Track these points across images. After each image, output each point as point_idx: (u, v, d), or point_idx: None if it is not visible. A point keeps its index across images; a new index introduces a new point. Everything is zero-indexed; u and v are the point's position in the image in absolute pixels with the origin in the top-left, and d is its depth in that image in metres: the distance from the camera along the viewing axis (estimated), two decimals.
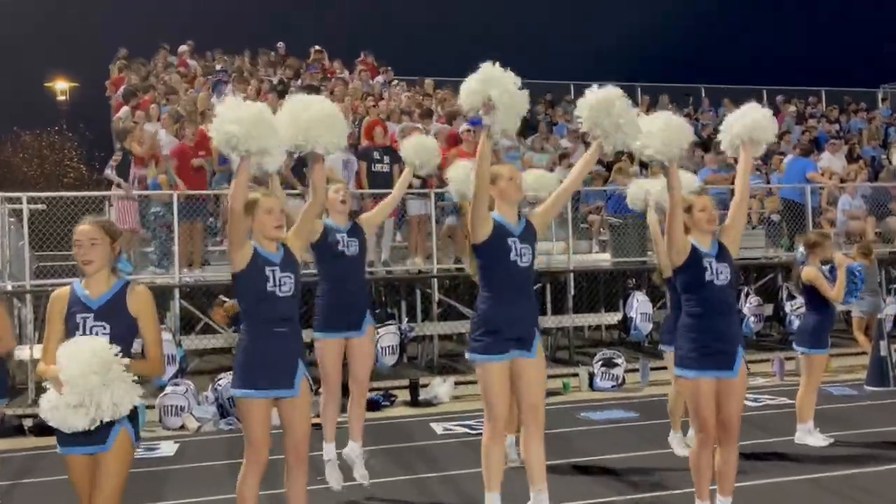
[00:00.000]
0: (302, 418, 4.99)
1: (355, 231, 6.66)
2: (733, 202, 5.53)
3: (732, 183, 15.47)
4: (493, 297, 5.19)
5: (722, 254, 5.41)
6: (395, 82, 20.03)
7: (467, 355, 5.34)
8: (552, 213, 5.50)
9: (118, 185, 11.96)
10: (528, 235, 5.29)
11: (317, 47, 21.39)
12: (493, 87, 4.83)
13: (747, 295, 13.15)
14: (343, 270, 6.55)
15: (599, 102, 5.10)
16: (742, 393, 5.40)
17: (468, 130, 13.47)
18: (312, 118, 4.93)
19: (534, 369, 5.28)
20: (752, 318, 13.00)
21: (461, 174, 6.84)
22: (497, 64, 4.91)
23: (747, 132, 5.41)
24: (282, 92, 17.69)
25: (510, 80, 4.88)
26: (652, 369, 11.61)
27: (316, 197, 5.19)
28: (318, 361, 6.61)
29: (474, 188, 5.03)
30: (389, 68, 20.87)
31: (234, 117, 4.58)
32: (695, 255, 5.34)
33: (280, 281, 4.91)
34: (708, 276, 5.29)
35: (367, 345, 6.66)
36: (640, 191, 7.48)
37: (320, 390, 6.69)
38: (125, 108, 15.18)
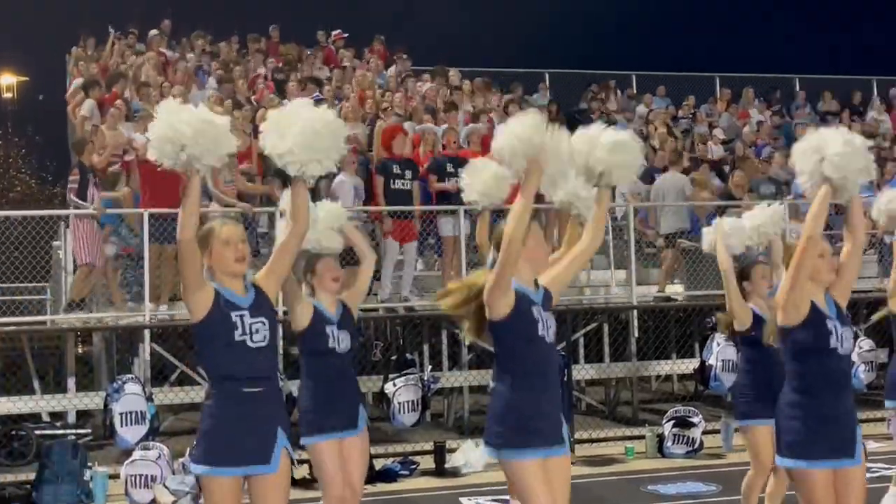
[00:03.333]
0: (279, 499, 4.92)
1: (346, 320, 6.82)
2: (845, 250, 5.41)
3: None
4: (518, 384, 5.02)
5: (842, 314, 5.32)
6: (411, 74, 20.09)
7: (487, 450, 5.17)
8: (566, 281, 5.40)
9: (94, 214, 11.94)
10: (548, 303, 5.16)
11: (337, 31, 21.47)
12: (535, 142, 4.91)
13: (856, 337, 13.00)
14: (333, 369, 6.70)
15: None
16: (865, 483, 5.32)
17: None
18: (306, 133, 4.88)
19: (566, 470, 5.15)
20: (861, 367, 12.84)
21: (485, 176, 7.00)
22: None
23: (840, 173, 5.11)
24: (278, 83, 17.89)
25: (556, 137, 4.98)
26: (737, 431, 11.47)
27: (297, 224, 5.09)
28: (315, 469, 6.83)
29: (503, 253, 4.87)
30: (405, 56, 20.94)
31: (182, 119, 4.61)
32: (816, 315, 5.22)
33: (251, 328, 4.82)
34: (833, 343, 5.18)
35: (363, 445, 6.84)
36: (712, 232, 7.46)
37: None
38: (88, 102, 15.30)
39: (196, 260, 4.75)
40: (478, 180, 7.17)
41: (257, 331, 4.83)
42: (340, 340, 6.69)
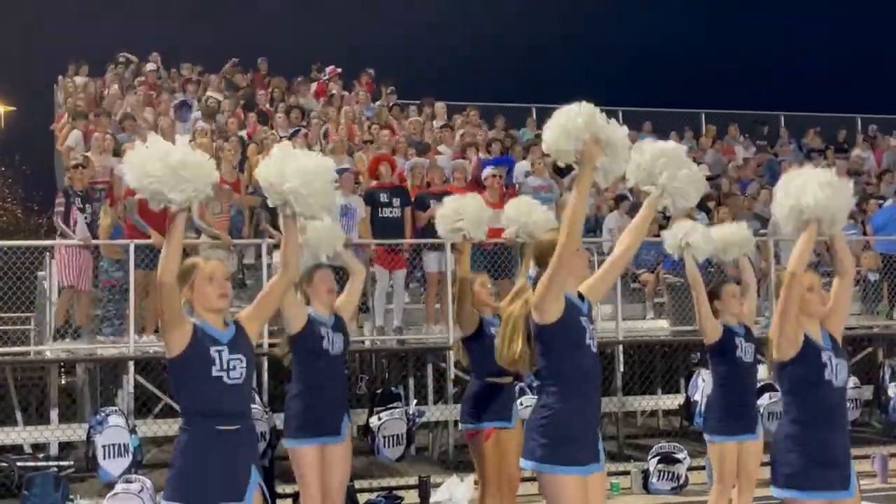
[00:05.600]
0: None
1: (339, 325, 7.06)
2: (835, 285, 5.49)
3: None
4: (566, 394, 5.08)
5: (837, 347, 5.37)
6: (401, 109, 20.14)
7: (528, 464, 5.15)
8: (603, 289, 5.49)
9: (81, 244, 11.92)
10: (590, 314, 5.27)
11: (331, 67, 21.52)
12: (598, 129, 4.93)
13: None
14: (325, 372, 6.90)
15: (654, 155, 5.21)
16: None
17: (494, 175, 13.57)
18: (301, 171, 4.96)
19: (602, 486, 5.26)
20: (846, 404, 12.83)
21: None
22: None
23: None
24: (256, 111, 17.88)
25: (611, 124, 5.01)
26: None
27: (287, 270, 5.14)
28: (296, 473, 6.95)
29: (560, 251, 4.93)
30: (392, 88, 20.99)
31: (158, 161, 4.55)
32: (810, 348, 5.27)
33: (228, 364, 4.80)
34: (827, 375, 5.24)
35: (345, 452, 7.02)
36: (678, 233, 7.58)
37: None
38: (75, 133, 15.27)
39: (175, 300, 4.72)
40: (462, 211, 7.44)
41: (234, 367, 4.81)
42: (334, 342, 6.89)
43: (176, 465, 4.85)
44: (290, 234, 5.12)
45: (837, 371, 5.26)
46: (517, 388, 10.10)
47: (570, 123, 4.90)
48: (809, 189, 5.09)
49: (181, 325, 4.77)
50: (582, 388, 5.10)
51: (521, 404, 10.17)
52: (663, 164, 5.23)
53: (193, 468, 4.78)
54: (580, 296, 5.25)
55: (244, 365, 4.85)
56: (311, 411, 6.83)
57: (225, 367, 4.78)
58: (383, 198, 13.17)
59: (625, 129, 5.10)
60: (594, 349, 5.17)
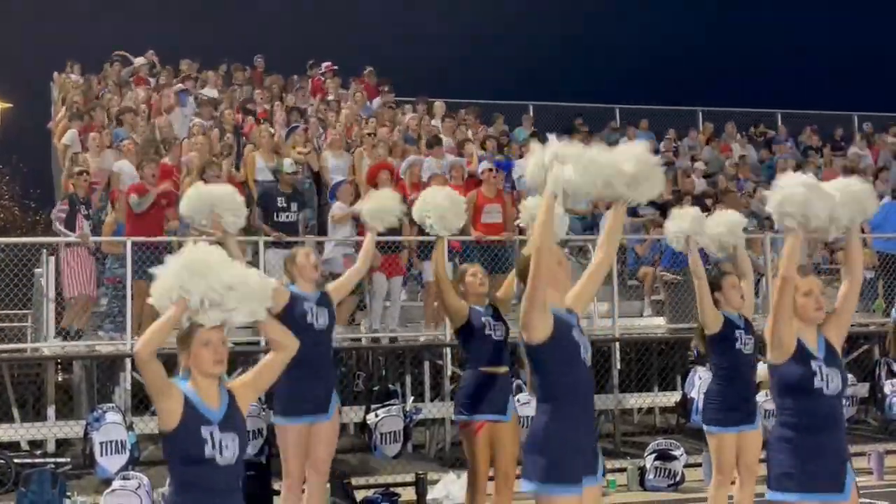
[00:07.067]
0: None
1: (325, 301, 7.19)
2: (843, 289, 5.45)
3: None
4: (560, 412, 5.04)
5: (831, 355, 5.31)
6: (397, 105, 20.13)
7: (527, 486, 5.10)
8: (588, 298, 5.51)
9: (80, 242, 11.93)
10: (580, 325, 5.23)
11: (327, 63, 21.49)
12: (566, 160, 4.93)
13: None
14: (310, 346, 6.88)
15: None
16: None
17: (490, 170, 13.57)
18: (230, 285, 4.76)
19: (598, 499, 5.21)
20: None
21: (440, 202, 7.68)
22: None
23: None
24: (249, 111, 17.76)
25: (584, 154, 4.99)
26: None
27: (284, 352, 5.04)
28: (280, 449, 7.12)
29: (534, 265, 4.88)
30: (389, 87, 20.97)
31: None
32: (802, 354, 5.23)
33: (220, 444, 4.70)
34: (817, 384, 5.18)
35: (333, 430, 7.20)
36: (678, 225, 7.63)
37: None
38: (71, 132, 15.26)
39: (154, 373, 4.64)
40: (433, 206, 7.54)
41: (227, 447, 4.72)
42: (318, 316, 7.05)
43: None
44: (269, 324, 5.02)
45: (828, 380, 5.19)
46: (514, 384, 10.13)
47: (538, 159, 4.98)
48: (792, 191, 5.11)
49: (168, 395, 4.69)
50: (577, 405, 5.06)
51: (518, 401, 10.23)
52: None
53: None
54: (568, 309, 5.21)
55: (237, 444, 4.76)
56: (299, 387, 6.91)
57: (217, 446, 4.68)
58: None
59: (597, 151, 5.10)
60: (588, 362, 5.13)
